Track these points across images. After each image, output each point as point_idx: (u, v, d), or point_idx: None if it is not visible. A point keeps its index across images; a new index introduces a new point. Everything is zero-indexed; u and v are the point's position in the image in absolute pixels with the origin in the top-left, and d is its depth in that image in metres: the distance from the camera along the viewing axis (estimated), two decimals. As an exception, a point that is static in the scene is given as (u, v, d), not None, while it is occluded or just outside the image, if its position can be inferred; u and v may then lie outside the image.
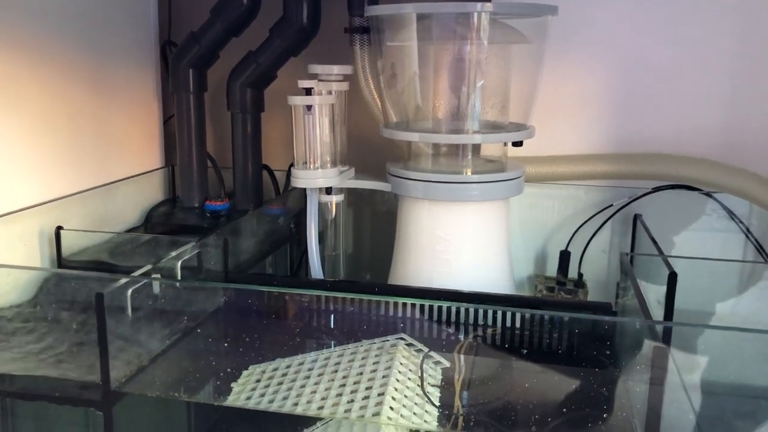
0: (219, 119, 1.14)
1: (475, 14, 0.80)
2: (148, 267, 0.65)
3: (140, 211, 1.16)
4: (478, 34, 0.82)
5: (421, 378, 0.70)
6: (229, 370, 0.75)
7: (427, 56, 0.84)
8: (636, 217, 1.01)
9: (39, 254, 0.92)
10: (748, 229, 1.01)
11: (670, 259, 0.75)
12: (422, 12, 0.81)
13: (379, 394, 0.65)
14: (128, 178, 1.12)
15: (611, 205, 1.02)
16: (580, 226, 1.02)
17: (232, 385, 0.75)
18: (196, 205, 1.15)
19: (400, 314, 0.80)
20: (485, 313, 0.75)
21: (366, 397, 0.66)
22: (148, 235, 0.99)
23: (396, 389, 0.67)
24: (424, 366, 0.73)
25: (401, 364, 0.72)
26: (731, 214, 1.00)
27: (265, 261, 1.05)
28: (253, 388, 0.74)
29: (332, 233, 0.98)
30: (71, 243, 0.94)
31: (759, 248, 0.97)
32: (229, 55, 1.10)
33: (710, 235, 1.02)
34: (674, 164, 0.98)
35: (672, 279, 0.71)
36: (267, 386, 0.74)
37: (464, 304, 0.76)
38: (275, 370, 0.77)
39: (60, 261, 0.91)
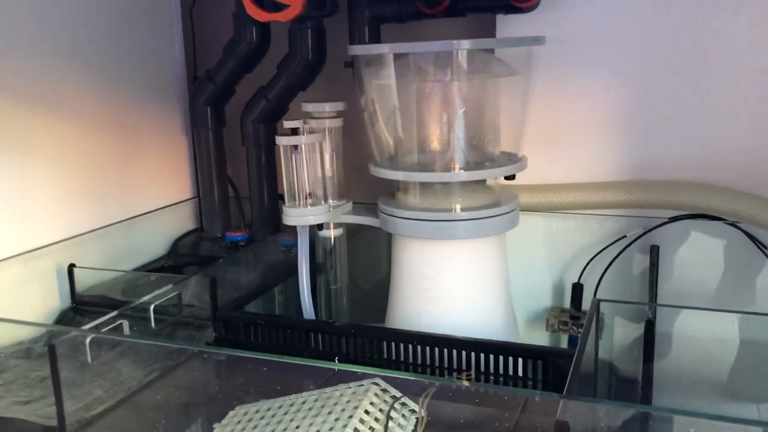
0: (238, 151, 1.17)
1: (453, 51, 0.79)
2: (113, 313, 0.68)
3: (168, 240, 1.21)
4: (457, 70, 0.80)
5: (386, 427, 0.70)
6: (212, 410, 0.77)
7: (408, 93, 0.83)
8: (653, 249, 0.96)
9: (58, 290, 0.98)
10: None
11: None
12: (398, 52, 0.80)
13: (331, 445, 0.65)
14: (152, 211, 1.17)
15: (625, 236, 0.97)
16: (592, 259, 0.98)
17: (215, 426, 0.77)
18: (219, 235, 1.19)
19: (376, 356, 0.79)
20: (449, 356, 0.73)
21: (318, 448, 0.65)
22: (148, 273, 1.03)
23: (351, 440, 0.66)
24: (395, 414, 0.72)
25: (366, 412, 0.71)
26: (757, 244, 0.93)
27: (275, 290, 1.07)
28: (231, 431, 0.75)
29: (333, 266, 0.99)
30: (87, 279, 0.99)
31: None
32: (245, 90, 1.13)
33: (734, 268, 0.95)
34: (689, 193, 0.92)
35: (649, 328, 0.67)
36: (243, 430, 0.75)
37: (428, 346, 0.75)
38: (257, 412, 0.79)
39: (74, 297, 0.96)
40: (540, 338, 1.03)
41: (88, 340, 0.63)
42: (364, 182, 0.97)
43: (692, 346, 0.91)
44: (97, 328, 0.68)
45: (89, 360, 0.64)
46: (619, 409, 0.56)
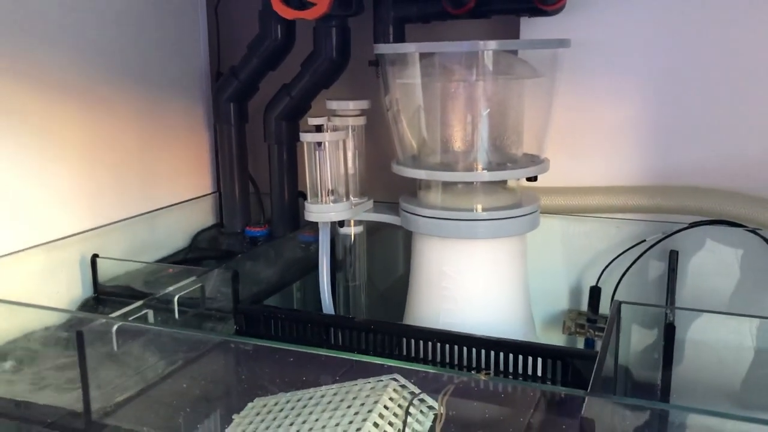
0: (259, 148, 1.18)
1: (479, 52, 0.79)
2: (138, 303, 0.69)
3: (188, 234, 1.22)
4: (482, 71, 0.81)
5: (404, 423, 0.70)
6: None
7: (433, 93, 0.84)
8: (672, 254, 0.96)
9: (80, 279, 0.99)
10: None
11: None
12: (425, 51, 0.81)
13: (351, 439, 0.66)
14: (174, 204, 1.18)
15: (644, 241, 0.97)
16: (611, 262, 0.98)
17: (234, 416, 0.78)
18: (239, 230, 1.20)
19: (395, 352, 0.80)
20: (468, 354, 0.74)
21: (337, 442, 0.66)
22: (169, 265, 1.04)
23: (370, 435, 0.67)
24: (413, 410, 0.73)
25: (386, 407, 0.72)
26: (778, 253, 0.93)
27: (293, 286, 1.08)
28: (250, 422, 0.76)
29: (352, 263, 0.99)
30: (109, 269, 1.00)
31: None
32: (269, 87, 1.14)
33: (754, 275, 0.95)
34: (711, 199, 0.92)
35: (669, 331, 0.67)
36: (262, 421, 0.76)
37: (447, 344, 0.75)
38: (276, 404, 0.79)
39: (96, 287, 0.97)
40: (556, 340, 1.03)
41: (114, 329, 0.65)
42: (385, 181, 0.97)
43: (710, 353, 0.90)
44: (122, 317, 0.69)
45: (115, 348, 0.65)
46: (642, 409, 0.56)
